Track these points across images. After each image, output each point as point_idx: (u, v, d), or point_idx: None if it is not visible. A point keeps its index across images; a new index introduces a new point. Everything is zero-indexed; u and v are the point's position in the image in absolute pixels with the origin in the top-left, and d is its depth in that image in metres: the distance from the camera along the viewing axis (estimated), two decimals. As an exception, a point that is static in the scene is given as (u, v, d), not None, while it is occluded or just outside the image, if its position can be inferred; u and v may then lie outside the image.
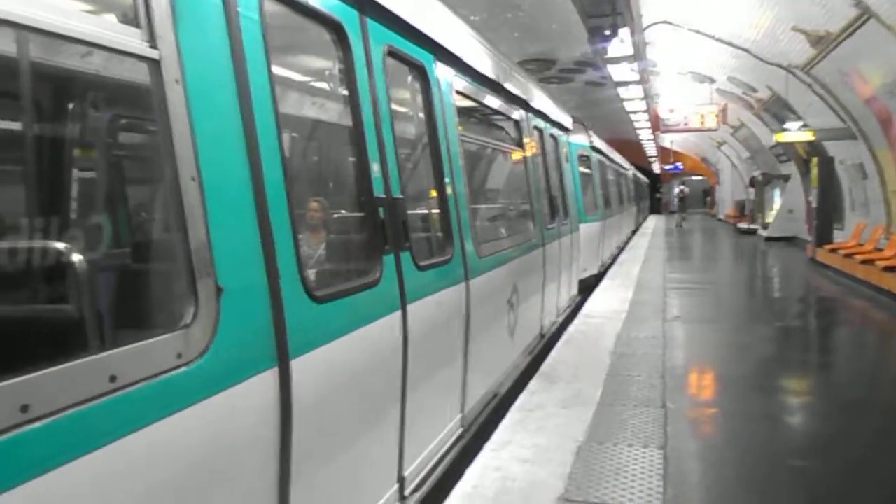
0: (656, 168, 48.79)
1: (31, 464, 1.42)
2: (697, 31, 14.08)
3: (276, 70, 2.49)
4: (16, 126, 2.96)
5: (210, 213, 1.99)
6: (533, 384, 5.90)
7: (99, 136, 3.13)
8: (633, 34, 10.81)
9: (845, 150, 14.75)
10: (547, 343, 7.52)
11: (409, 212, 3.62)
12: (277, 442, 2.26)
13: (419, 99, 4.18)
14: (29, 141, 2.75)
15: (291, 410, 2.30)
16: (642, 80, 16.27)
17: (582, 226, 10.63)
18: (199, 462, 1.90)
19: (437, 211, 4.27)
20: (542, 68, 17.97)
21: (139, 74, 1.99)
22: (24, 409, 1.42)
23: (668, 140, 35.30)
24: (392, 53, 3.57)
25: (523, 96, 6.75)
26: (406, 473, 3.47)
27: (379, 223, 3.20)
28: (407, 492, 3.48)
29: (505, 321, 5.54)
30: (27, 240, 2.24)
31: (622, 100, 19.45)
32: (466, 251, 4.40)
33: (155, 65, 1.90)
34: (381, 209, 3.22)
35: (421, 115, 4.22)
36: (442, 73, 4.38)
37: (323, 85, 4.34)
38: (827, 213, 16.01)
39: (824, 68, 12.24)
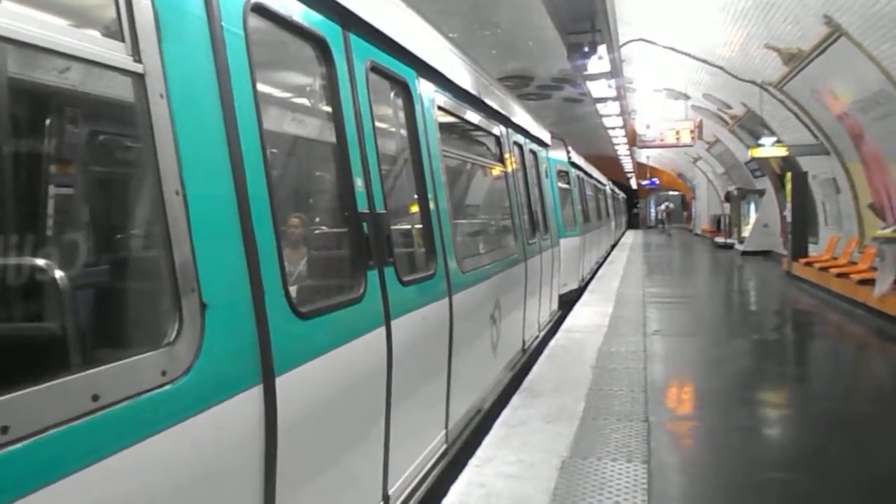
0: (633, 183, 49.34)
1: (11, 486, 1.38)
2: (672, 49, 14.30)
3: (260, 85, 2.47)
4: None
5: (194, 228, 1.97)
6: (516, 399, 5.89)
7: (84, 150, 3.09)
8: (610, 51, 10.96)
9: (818, 165, 15.03)
10: (529, 358, 7.51)
11: (393, 227, 3.61)
12: (262, 460, 2.23)
13: (402, 114, 4.19)
14: (14, 156, 2.70)
15: (276, 428, 2.27)
16: (619, 97, 16.47)
17: (562, 241, 10.68)
18: (184, 481, 1.86)
19: (420, 226, 4.26)
20: (520, 85, 18.15)
21: (123, 89, 1.97)
22: (4, 430, 1.38)
23: (644, 156, 35.72)
24: (375, 69, 3.58)
25: (503, 112, 6.79)
26: (391, 492, 3.43)
27: (363, 238, 3.19)
28: (392, 510, 3.45)
29: (488, 336, 5.53)
30: (6, 256, 2.19)
31: (600, 116, 19.66)
32: (449, 266, 4.40)
33: (139, 79, 1.88)
34: (364, 224, 3.20)
35: (404, 130, 4.23)
36: (424, 89, 4.39)
37: (306, 100, 4.33)
38: (801, 228, 16.25)
39: (797, 85, 12.48)
